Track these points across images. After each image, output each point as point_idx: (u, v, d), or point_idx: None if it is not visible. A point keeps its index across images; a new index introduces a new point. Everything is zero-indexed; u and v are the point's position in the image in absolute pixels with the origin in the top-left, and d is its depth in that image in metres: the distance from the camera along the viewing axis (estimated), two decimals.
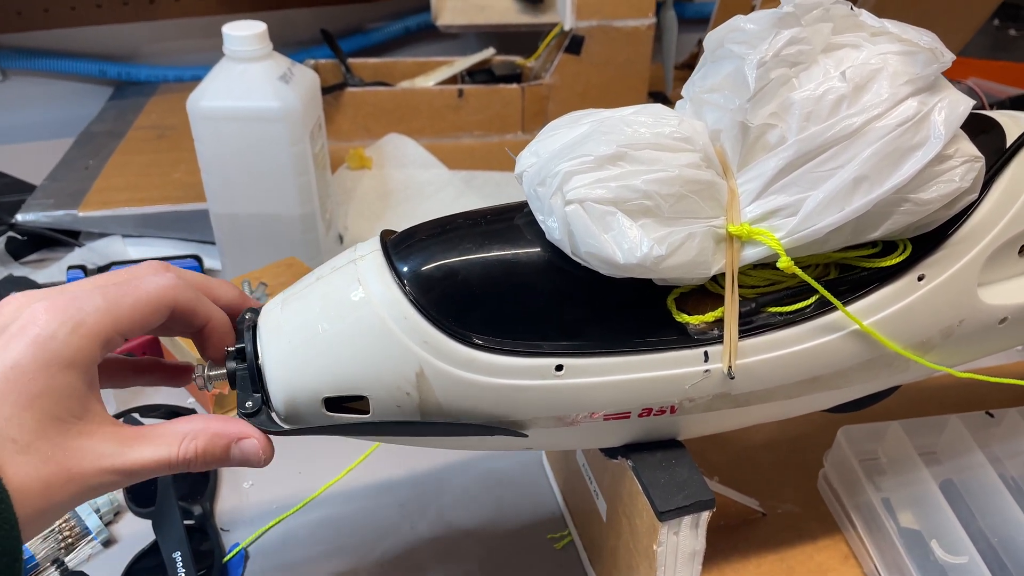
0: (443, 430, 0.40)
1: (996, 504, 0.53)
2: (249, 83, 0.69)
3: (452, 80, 1.07)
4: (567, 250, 0.38)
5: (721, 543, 0.55)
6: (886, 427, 0.57)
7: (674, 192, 0.38)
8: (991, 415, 0.57)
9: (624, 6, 0.97)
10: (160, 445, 0.36)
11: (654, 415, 0.42)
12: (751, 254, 0.39)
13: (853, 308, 0.41)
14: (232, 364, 0.40)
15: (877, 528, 0.53)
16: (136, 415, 0.62)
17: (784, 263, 0.38)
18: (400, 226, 0.43)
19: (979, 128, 0.44)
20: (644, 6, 0.98)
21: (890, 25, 0.38)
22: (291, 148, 0.71)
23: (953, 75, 1.14)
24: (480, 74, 1.07)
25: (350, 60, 1.07)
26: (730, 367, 0.40)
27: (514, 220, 0.42)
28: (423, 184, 0.91)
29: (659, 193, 0.37)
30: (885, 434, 0.57)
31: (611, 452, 0.45)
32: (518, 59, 1.09)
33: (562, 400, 0.40)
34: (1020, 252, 0.45)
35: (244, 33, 0.69)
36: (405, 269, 0.40)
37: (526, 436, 0.41)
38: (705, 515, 0.42)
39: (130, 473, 0.35)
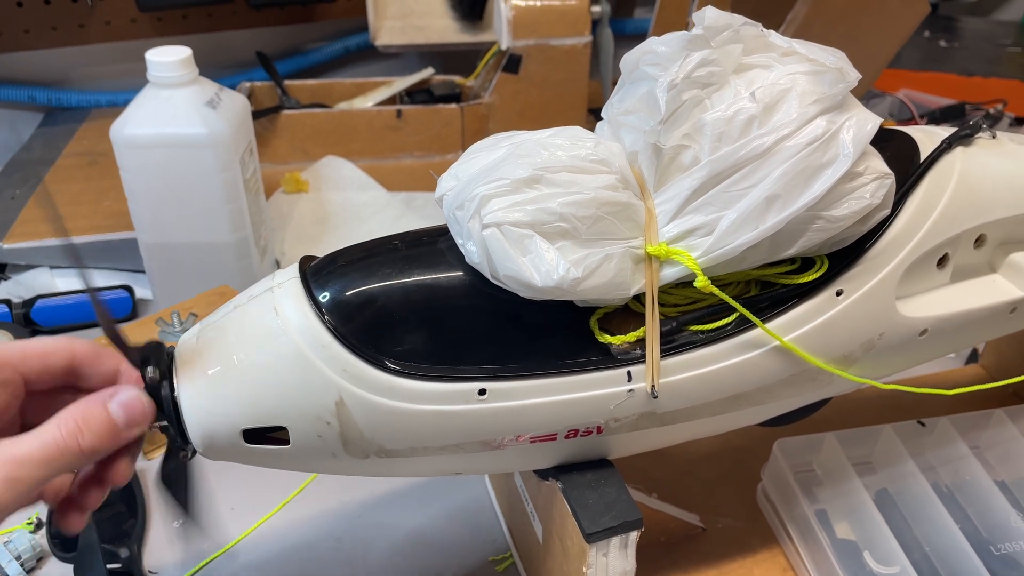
0: None
1: (928, 513, 0.54)
2: (175, 109, 0.68)
3: (391, 100, 1.06)
4: (487, 273, 0.38)
5: (661, 560, 0.55)
6: (821, 439, 0.57)
7: (590, 214, 0.37)
8: (923, 424, 0.58)
9: (560, 25, 0.98)
10: (42, 432, 0.34)
11: (581, 436, 0.41)
12: (670, 274, 0.39)
13: (773, 324, 0.41)
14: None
15: (812, 540, 0.53)
16: None
17: (701, 282, 0.39)
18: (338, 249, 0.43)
19: (894, 144, 0.45)
20: (580, 25, 0.99)
21: (798, 45, 0.39)
22: (220, 174, 0.70)
23: (885, 87, 1.17)
24: (419, 94, 1.06)
25: (288, 82, 1.06)
26: (653, 386, 0.40)
27: (436, 244, 0.42)
28: (361, 206, 0.90)
29: (576, 215, 0.37)
30: (820, 446, 0.58)
31: (543, 473, 0.44)
32: (457, 78, 1.09)
33: (486, 424, 0.39)
34: (939, 264, 0.46)
35: (168, 59, 0.67)
36: (323, 296, 0.39)
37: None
38: (634, 535, 0.42)
39: (19, 481, 0.32)
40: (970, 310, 0.46)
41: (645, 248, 0.39)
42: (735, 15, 0.39)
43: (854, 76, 0.38)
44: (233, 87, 1.05)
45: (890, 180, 0.39)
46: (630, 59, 0.41)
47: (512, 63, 0.99)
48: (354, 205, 0.90)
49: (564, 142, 0.39)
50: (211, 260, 0.74)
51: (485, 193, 0.38)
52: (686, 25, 1.07)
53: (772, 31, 0.40)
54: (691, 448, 0.62)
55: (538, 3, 0.98)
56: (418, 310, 0.39)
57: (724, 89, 0.39)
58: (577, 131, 0.41)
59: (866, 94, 1.09)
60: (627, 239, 0.39)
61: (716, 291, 0.39)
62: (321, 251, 0.84)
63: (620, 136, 0.42)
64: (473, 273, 0.39)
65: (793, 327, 0.42)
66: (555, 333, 0.40)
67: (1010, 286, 0.47)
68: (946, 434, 0.58)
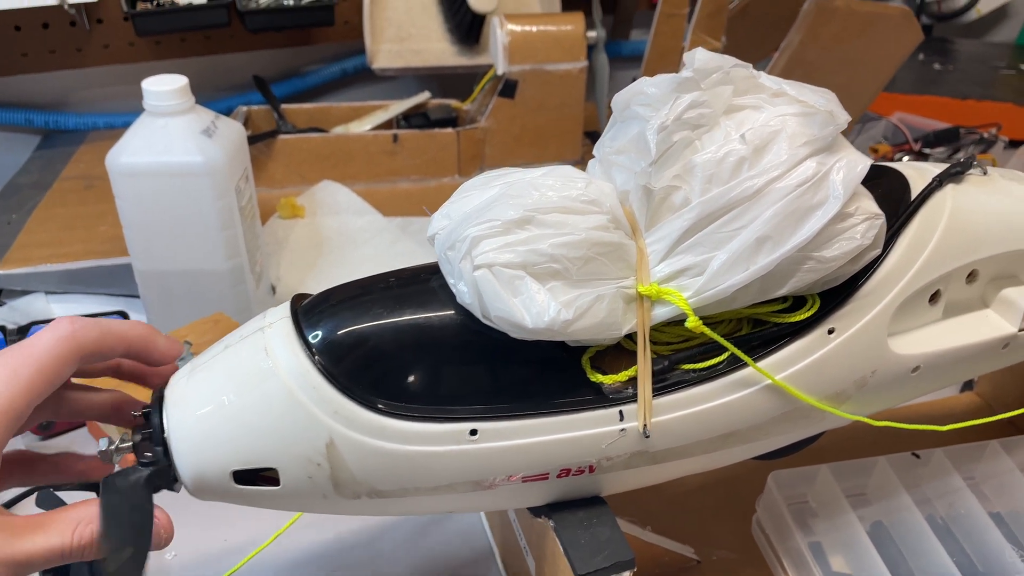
0: None
1: (924, 546, 0.54)
2: (170, 138, 0.68)
3: (388, 124, 1.07)
4: (478, 314, 0.38)
5: None
6: (816, 471, 0.57)
7: (581, 255, 0.38)
8: (917, 456, 0.58)
9: (555, 50, 0.99)
10: (52, 533, 0.34)
11: (573, 475, 0.41)
12: (661, 313, 0.39)
13: (765, 363, 0.41)
14: (138, 437, 0.39)
15: (807, 573, 0.53)
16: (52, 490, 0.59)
17: (692, 323, 0.39)
18: (334, 274, 0.43)
19: (885, 181, 0.45)
20: (575, 50, 0.99)
21: (788, 87, 0.39)
22: (216, 202, 0.70)
23: (880, 110, 1.17)
24: (416, 117, 1.07)
25: (285, 106, 1.06)
26: (645, 425, 0.40)
27: (429, 283, 0.42)
28: (357, 231, 0.90)
29: (566, 256, 0.37)
30: (815, 478, 0.57)
31: (535, 510, 0.44)
32: (454, 102, 1.09)
33: (478, 464, 0.39)
34: (931, 301, 0.46)
35: (164, 88, 0.68)
36: (314, 336, 0.39)
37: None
38: (626, 575, 0.41)
39: (18, 565, 0.33)
40: (962, 346, 0.46)
41: (637, 288, 0.39)
42: (726, 56, 0.40)
43: (844, 118, 0.38)
44: (231, 110, 1.06)
45: (880, 220, 0.39)
46: (621, 99, 0.41)
47: (508, 88, 1.00)
48: (350, 230, 0.91)
49: (555, 182, 0.39)
50: (206, 287, 0.74)
51: (476, 234, 0.38)
52: (680, 50, 1.07)
53: (762, 72, 0.40)
54: (686, 479, 0.62)
55: (534, 29, 0.98)
56: (409, 350, 0.39)
57: (714, 130, 0.39)
58: (568, 171, 0.41)
59: (861, 117, 1.10)
60: (618, 279, 0.39)
61: (708, 331, 0.39)
62: (316, 276, 0.85)
63: (611, 175, 0.42)
64: (464, 313, 0.39)
65: (785, 365, 0.42)
66: (547, 372, 0.40)
67: (1002, 322, 0.47)
68: (941, 466, 0.58)
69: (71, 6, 0.97)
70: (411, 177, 1.02)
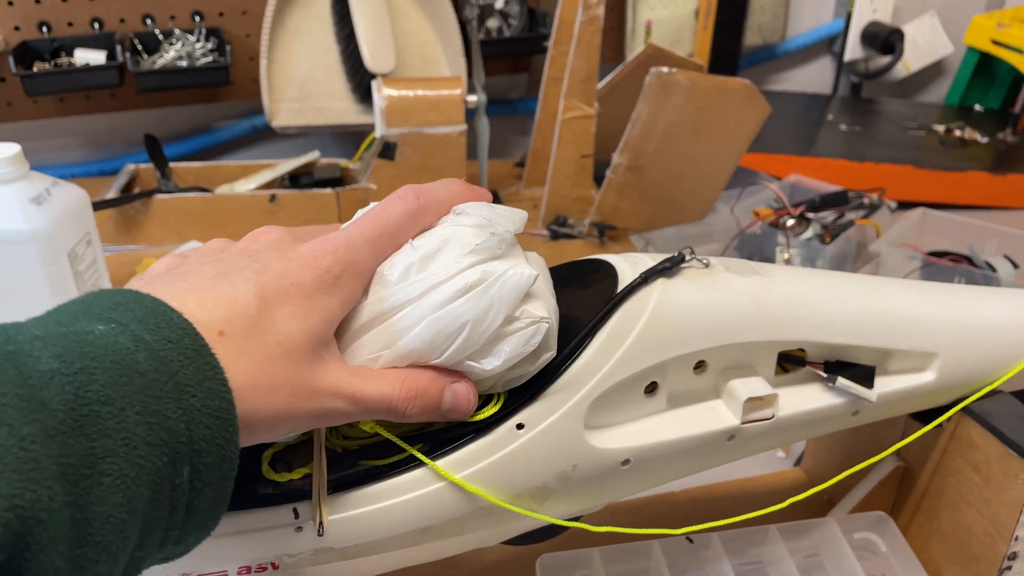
0: None
1: None
2: None
3: (278, 183, 1.08)
4: None
5: None
6: (589, 554, 0.57)
7: None
8: (690, 540, 0.58)
9: (433, 114, 1.00)
10: (384, 383, 0.37)
11: (255, 572, 0.41)
12: None
13: (451, 459, 0.41)
14: None
15: None
16: None
17: (364, 422, 0.39)
18: None
19: (596, 276, 0.46)
20: (453, 114, 1.01)
21: (469, 206, 0.40)
22: (44, 269, 0.71)
23: (776, 171, 1.18)
24: (304, 176, 1.08)
25: (176, 164, 1.08)
26: (320, 524, 0.40)
27: None
28: None
29: None
30: (589, 561, 0.57)
31: None
32: (343, 162, 1.11)
33: None
34: (647, 392, 0.46)
35: None
36: None
37: None
38: None
39: (358, 402, 0.36)
40: (677, 439, 0.46)
41: None
42: None
43: (504, 229, 0.39)
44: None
45: (546, 325, 0.40)
46: None
47: (387, 150, 1.01)
48: None
49: None
50: None
51: None
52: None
53: None
54: (460, 564, 0.62)
55: (411, 94, 1.00)
56: None
57: None
58: None
59: (743, 181, 1.10)
60: None
61: (382, 430, 0.40)
62: None
63: None
64: None
65: (472, 461, 0.42)
66: None
67: (728, 413, 0.47)
68: (715, 552, 0.57)
69: None
70: None
